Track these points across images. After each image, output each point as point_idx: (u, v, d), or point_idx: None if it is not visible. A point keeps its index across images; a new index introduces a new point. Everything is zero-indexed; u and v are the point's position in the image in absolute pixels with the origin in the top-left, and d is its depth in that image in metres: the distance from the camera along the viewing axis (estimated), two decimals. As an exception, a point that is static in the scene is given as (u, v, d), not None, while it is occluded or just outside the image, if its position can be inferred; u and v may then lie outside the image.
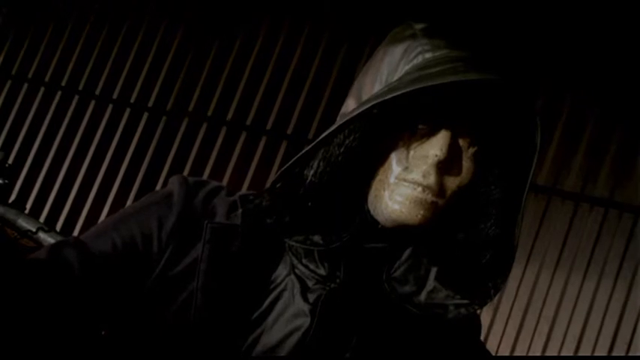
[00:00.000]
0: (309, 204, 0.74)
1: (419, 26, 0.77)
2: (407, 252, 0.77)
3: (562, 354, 2.47)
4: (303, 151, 0.74)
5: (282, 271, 0.78)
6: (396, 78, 0.74)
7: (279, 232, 0.76)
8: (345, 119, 0.72)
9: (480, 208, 0.76)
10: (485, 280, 0.76)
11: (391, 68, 0.75)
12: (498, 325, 2.59)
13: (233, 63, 3.34)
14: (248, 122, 3.23)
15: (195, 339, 0.74)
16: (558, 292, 2.54)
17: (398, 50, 0.76)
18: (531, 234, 2.63)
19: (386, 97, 0.69)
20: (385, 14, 2.86)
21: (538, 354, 2.51)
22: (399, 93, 0.68)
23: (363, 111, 0.71)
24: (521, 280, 2.60)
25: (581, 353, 2.44)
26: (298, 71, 3.19)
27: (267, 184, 0.78)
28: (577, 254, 2.55)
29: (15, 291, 0.68)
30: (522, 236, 2.64)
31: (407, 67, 0.73)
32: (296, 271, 0.77)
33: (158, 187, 3.29)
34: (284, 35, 3.27)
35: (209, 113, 3.32)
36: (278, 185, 0.76)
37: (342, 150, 0.73)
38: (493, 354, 0.90)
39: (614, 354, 2.41)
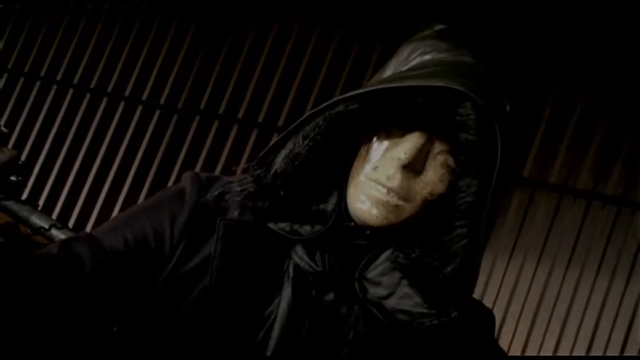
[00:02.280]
0: (281, 192, 0.74)
1: (437, 28, 0.76)
2: (385, 254, 0.76)
3: (574, 354, 2.45)
4: (276, 140, 0.74)
5: (288, 266, 0.78)
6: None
7: (262, 219, 0.76)
8: (312, 112, 0.72)
9: (450, 217, 0.73)
10: (447, 294, 0.73)
11: (395, 67, 0.76)
12: (510, 324, 2.58)
13: (244, 61, 3.34)
14: (259, 120, 3.23)
15: (207, 337, 0.73)
16: (570, 290, 2.52)
17: (406, 51, 0.76)
18: (543, 232, 2.61)
19: (349, 94, 0.69)
20: (396, 15, 2.85)
21: (550, 353, 2.49)
22: (362, 91, 0.69)
23: (328, 104, 0.71)
24: (532, 279, 2.59)
25: (592, 353, 2.42)
26: (309, 69, 3.19)
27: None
28: (589, 253, 2.53)
29: (25, 286, 0.68)
30: (534, 234, 2.62)
31: (404, 68, 0.73)
32: (293, 264, 0.77)
33: (170, 184, 3.30)
34: (295, 33, 3.27)
35: (220, 111, 3.33)
36: (256, 173, 0.76)
37: (306, 142, 0.73)
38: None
39: (626, 354, 2.39)
